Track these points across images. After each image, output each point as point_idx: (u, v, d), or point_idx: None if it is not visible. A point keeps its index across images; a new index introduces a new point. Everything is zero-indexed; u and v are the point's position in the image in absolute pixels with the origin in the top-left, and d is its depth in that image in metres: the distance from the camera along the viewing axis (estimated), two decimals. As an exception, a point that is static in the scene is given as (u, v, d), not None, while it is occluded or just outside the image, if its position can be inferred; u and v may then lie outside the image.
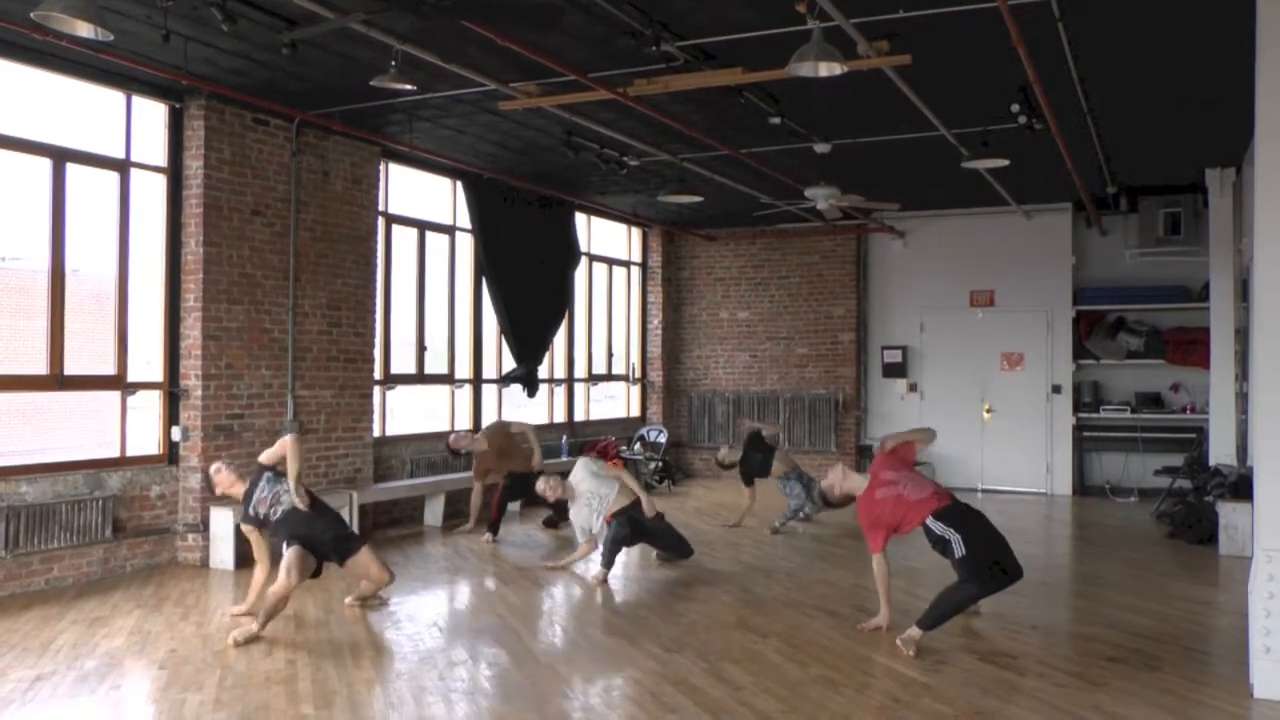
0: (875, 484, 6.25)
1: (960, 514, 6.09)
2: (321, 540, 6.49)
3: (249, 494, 6.67)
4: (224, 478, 6.88)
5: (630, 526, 8.03)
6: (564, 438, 12.80)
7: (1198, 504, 9.88)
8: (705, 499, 12.78)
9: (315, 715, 4.75)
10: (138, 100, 8.06)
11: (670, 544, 8.43)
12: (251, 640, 5.97)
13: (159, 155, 8.25)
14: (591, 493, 8.19)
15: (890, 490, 6.17)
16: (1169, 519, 10.44)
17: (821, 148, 9.49)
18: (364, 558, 6.71)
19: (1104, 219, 13.03)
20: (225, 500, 8.21)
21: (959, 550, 5.91)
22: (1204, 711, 4.91)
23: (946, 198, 12.90)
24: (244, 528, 6.82)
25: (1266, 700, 5.01)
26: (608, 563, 7.84)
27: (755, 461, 10.52)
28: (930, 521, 6.02)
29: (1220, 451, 11.03)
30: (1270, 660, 5.05)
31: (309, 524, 6.46)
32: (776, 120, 8.40)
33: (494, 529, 9.61)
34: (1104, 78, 7.69)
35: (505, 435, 10.25)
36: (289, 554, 6.24)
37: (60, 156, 7.53)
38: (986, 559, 5.95)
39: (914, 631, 5.89)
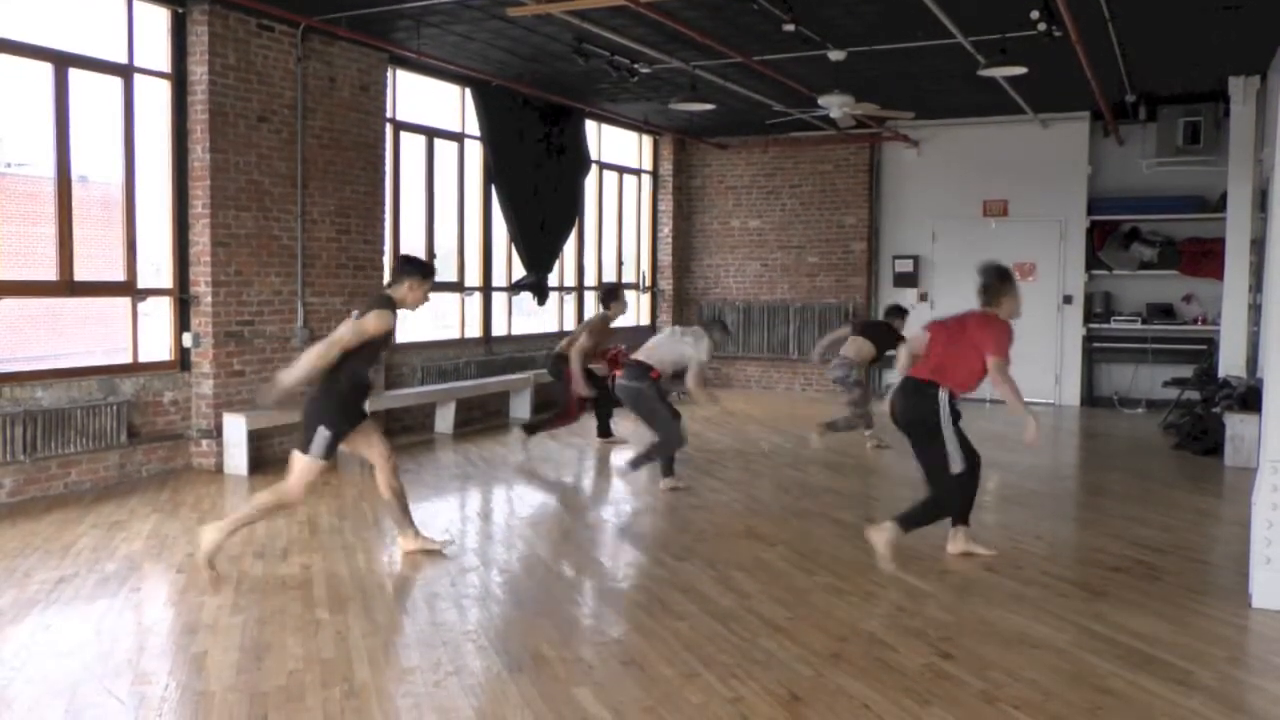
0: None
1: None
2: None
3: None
4: None
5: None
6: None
7: (1205, 415, 9.91)
8: (715, 408, 12.82)
9: (330, 620, 4.85)
10: (139, 5, 7.91)
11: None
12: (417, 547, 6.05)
13: (162, 61, 8.13)
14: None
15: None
16: (1176, 430, 10.49)
17: (836, 55, 9.31)
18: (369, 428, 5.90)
19: (1122, 128, 12.82)
20: (237, 406, 8.34)
21: (950, 451, 6.13)
22: (1203, 620, 4.98)
23: (962, 106, 12.69)
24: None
25: (1265, 610, 5.09)
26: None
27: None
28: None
29: (1230, 363, 10.99)
30: (1270, 570, 5.11)
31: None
32: (790, 27, 8.21)
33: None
34: (1127, -18, 7.50)
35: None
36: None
37: (62, 61, 7.42)
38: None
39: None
